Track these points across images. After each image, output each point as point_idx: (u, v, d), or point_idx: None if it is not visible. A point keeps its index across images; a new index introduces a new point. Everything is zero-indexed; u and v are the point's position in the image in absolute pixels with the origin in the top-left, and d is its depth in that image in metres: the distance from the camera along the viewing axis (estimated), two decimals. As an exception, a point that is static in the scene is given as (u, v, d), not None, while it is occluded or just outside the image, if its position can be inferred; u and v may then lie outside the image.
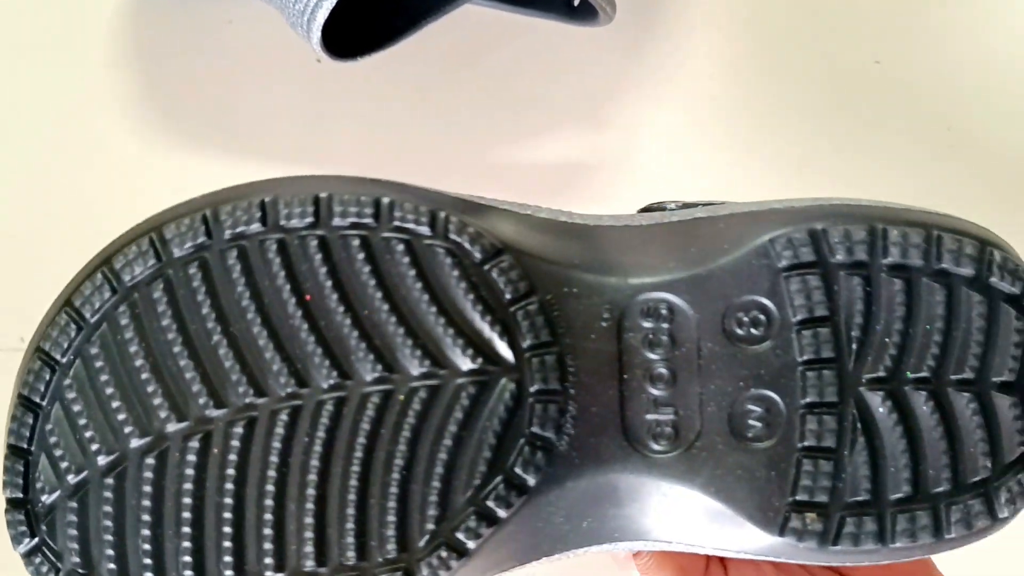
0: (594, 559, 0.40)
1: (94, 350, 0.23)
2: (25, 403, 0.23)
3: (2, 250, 0.41)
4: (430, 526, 0.22)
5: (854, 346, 0.23)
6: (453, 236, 0.23)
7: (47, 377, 0.23)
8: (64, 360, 0.23)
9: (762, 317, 0.23)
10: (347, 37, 0.37)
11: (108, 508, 0.23)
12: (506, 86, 0.43)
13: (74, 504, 0.23)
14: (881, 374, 0.23)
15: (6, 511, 0.23)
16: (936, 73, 0.43)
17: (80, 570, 0.23)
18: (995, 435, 0.23)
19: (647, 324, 0.23)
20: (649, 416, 0.23)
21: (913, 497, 0.23)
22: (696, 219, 0.25)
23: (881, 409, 0.23)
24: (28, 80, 0.42)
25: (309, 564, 0.22)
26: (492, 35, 0.43)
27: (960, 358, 0.23)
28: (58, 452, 0.23)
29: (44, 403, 0.23)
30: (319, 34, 0.35)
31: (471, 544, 0.22)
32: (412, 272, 0.23)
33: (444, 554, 0.22)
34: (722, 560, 0.30)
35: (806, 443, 0.23)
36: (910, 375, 0.23)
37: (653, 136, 0.43)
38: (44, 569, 0.23)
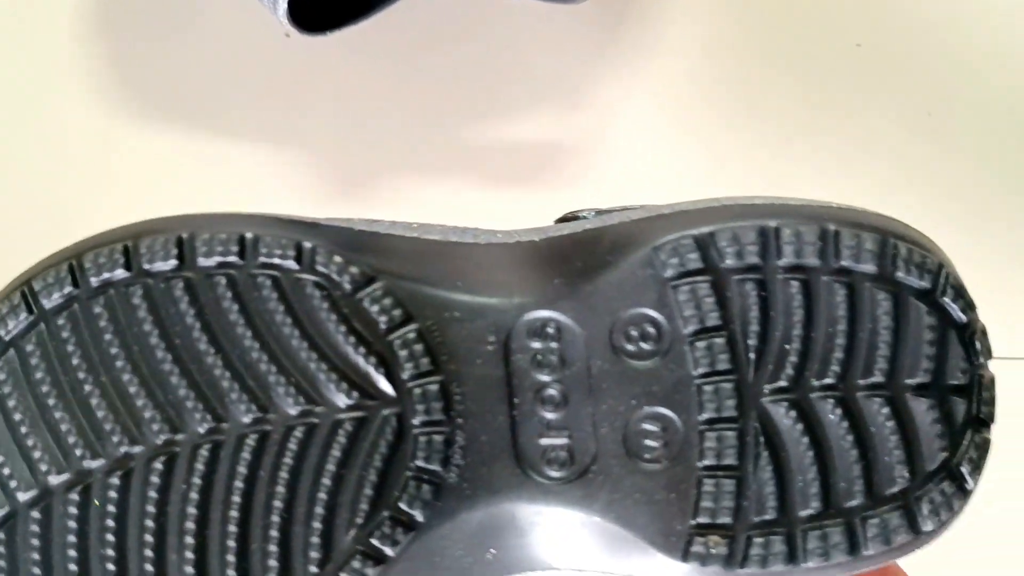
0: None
1: None
2: None
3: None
4: (313, 569, 0.22)
5: (752, 356, 0.22)
6: (320, 268, 0.22)
7: None
8: None
9: (651, 330, 0.22)
10: (316, 11, 0.37)
11: (1, 563, 0.22)
12: (480, 65, 0.42)
13: None
14: (783, 384, 0.22)
15: None
16: (917, 57, 0.42)
17: None
18: (912, 442, 0.21)
19: (535, 344, 0.22)
20: (543, 441, 0.22)
21: (824, 513, 0.21)
22: (584, 231, 0.24)
23: (786, 421, 0.22)
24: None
25: None
26: (466, 13, 0.43)
27: (868, 361, 0.22)
28: None
29: None
30: (285, 6, 0.34)
31: None
32: (281, 308, 0.22)
33: None
34: None
35: (706, 462, 0.22)
36: (815, 383, 0.22)
37: (629, 117, 0.42)
38: None
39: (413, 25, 0.42)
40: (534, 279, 0.23)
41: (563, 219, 0.26)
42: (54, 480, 0.22)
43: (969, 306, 0.22)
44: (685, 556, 0.21)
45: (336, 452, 0.22)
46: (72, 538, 0.22)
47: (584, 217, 0.25)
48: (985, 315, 0.42)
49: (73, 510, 0.22)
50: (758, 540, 0.21)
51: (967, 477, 0.22)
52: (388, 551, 0.22)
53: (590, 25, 0.42)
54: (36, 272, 0.23)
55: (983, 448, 0.22)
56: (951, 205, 0.41)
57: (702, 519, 0.21)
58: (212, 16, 0.42)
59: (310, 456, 0.22)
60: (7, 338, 0.22)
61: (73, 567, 0.22)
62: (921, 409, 0.21)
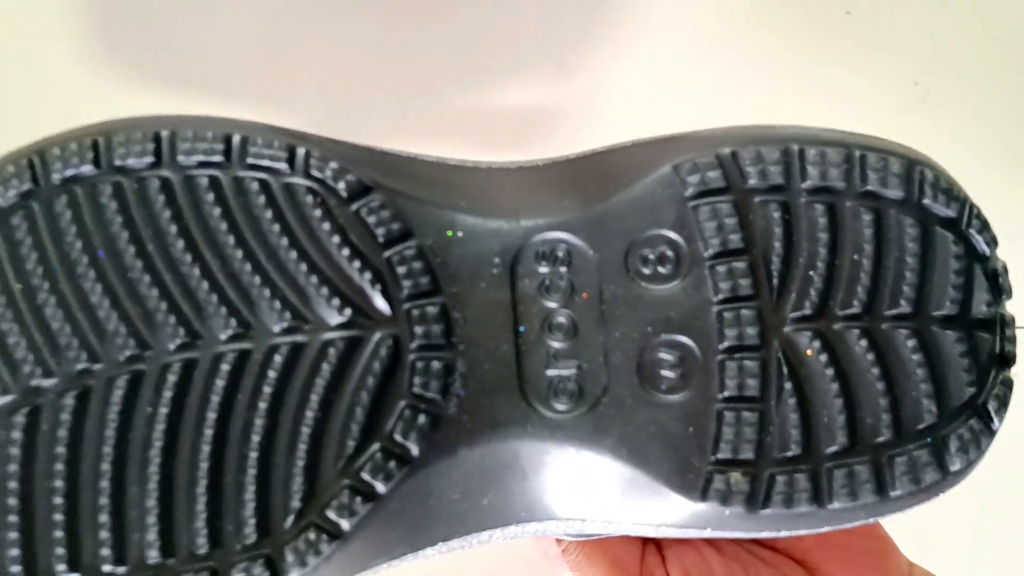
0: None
1: None
2: None
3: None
4: (296, 504, 0.19)
5: (775, 281, 0.20)
6: (315, 172, 0.20)
7: None
8: None
9: (670, 253, 0.21)
10: None
11: None
12: (472, 31, 0.42)
13: None
14: (807, 312, 0.20)
15: None
16: (905, 27, 0.43)
17: None
18: (940, 376, 0.20)
19: (543, 268, 0.21)
20: (549, 371, 0.21)
21: (851, 449, 0.20)
22: (594, 152, 0.22)
23: (809, 351, 0.20)
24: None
25: (154, 555, 0.19)
26: None
27: (894, 291, 0.21)
28: None
29: None
30: None
31: (345, 524, 0.19)
32: (268, 214, 0.20)
33: (313, 536, 0.19)
34: (659, 549, 0.27)
35: (726, 393, 0.20)
36: (839, 312, 0.20)
37: (620, 85, 0.42)
38: None
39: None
40: (542, 200, 0.21)
41: None
42: None
43: (993, 241, 0.21)
44: (704, 495, 0.20)
45: (324, 375, 0.20)
46: (13, 467, 0.19)
47: None
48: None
49: (16, 435, 0.19)
50: (781, 478, 0.20)
51: (993, 415, 0.21)
52: (380, 487, 0.20)
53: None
54: None
55: (1008, 386, 0.21)
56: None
57: (722, 454, 0.20)
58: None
59: (295, 379, 0.20)
60: None
61: (13, 501, 0.19)
62: (948, 343, 0.21)
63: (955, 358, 0.20)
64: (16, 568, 0.19)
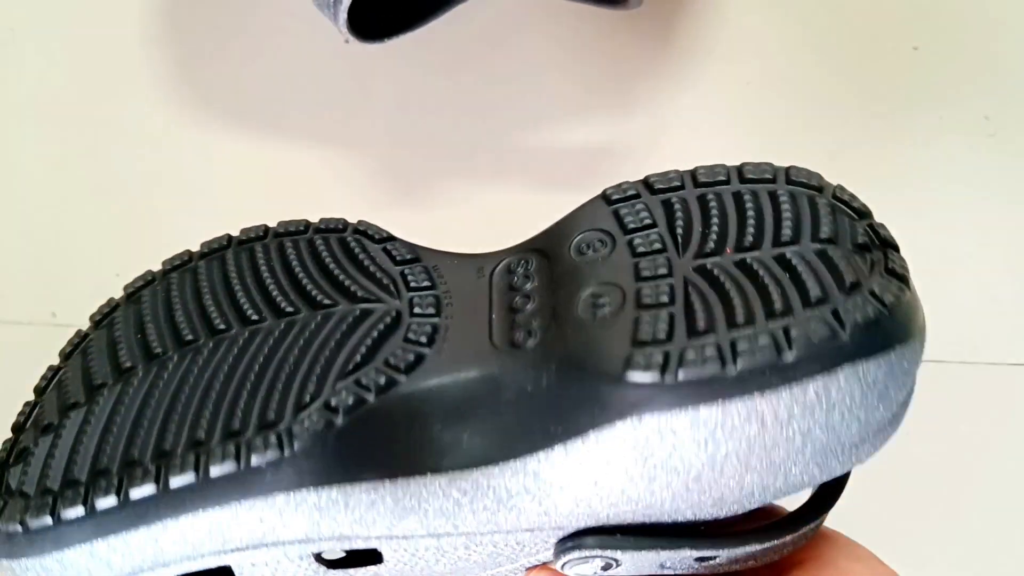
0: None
1: None
2: None
3: (34, 225, 0.41)
4: (307, 397, 0.25)
5: (679, 240, 0.26)
6: (362, 228, 0.30)
7: None
8: None
9: (602, 238, 0.27)
10: (374, 19, 0.39)
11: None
12: (534, 70, 0.43)
13: None
14: (705, 252, 0.26)
15: None
16: (974, 62, 0.41)
17: None
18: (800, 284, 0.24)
19: (513, 277, 0.28)
20: (514, 326, 0.27)
21: (750, 324, 0.24)
22: None
23: (710, 270, 0.25)
24: (64, 57, 0.43)
25: (201, 436, 0.25)
26: (521, 18, 0.43)
27: (776, 235, 0.26)
28: None
29: None
30: (345, 15, 0.37)
31: (339, 420, 0.25)
32: (331, 251, 0.30)
33: (315, 418, 0.25)
34: None
35: (644, 302, 0.25)
36: (734, 254, 0.26)
37: (681, 123, 0.42)
38: None
39: (467, 30, 0.43)
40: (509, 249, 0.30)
41: None
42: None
43: (865, 209, 0.27)
44: (626, 366, 0.23)
45: (343, 328, 0.27)
46: None
47: None
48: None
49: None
50: (692, 349, 0.23)
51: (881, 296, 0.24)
52: (369, 397, 0.25)
53: (643, 29, 0.43)
54: None
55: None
56: (1007, 208, 0.39)
57: (641, 337, 0.24)
58: (276, 24, 0.44)
59: (330, 331, 0.27)
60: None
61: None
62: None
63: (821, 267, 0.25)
64: None
